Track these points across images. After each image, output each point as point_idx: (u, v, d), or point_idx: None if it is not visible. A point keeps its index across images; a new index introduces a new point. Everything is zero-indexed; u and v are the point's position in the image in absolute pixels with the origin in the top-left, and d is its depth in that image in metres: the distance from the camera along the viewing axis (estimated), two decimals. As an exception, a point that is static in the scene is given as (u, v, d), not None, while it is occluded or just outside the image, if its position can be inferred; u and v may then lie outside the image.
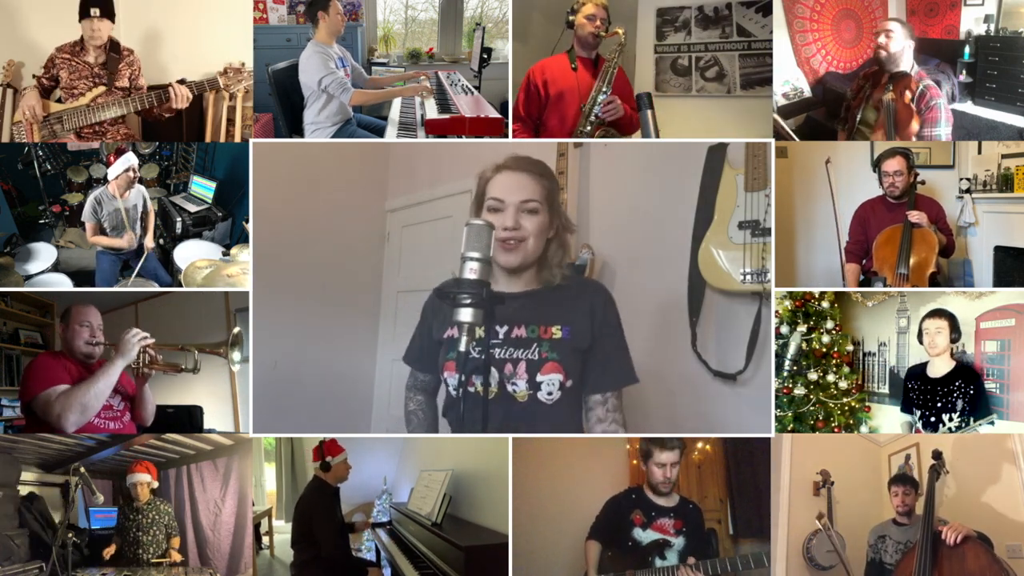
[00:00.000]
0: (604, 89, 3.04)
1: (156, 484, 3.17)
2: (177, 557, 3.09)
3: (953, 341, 2.73)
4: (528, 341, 2.02)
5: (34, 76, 3.19)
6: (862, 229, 3.11)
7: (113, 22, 3.18)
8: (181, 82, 3.15)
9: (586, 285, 2.13)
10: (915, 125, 2.96)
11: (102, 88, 3.16)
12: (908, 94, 2.97)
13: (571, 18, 3.07)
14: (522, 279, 2.06)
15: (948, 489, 2.66)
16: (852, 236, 3.14)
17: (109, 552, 3.04)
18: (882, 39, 3.01)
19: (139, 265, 3.28)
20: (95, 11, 3.10)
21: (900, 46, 2.99)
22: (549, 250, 2.06)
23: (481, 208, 2.05)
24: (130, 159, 3.27)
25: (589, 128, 3.06)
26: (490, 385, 1.97)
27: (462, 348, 1.79)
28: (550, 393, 2.00)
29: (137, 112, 3.21)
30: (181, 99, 3.13)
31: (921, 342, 2.79)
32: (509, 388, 2.01)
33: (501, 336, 2.00)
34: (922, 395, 2.76)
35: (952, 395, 2.71)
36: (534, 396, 2.00)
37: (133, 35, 3.28)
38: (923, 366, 2.82)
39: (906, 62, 3.01)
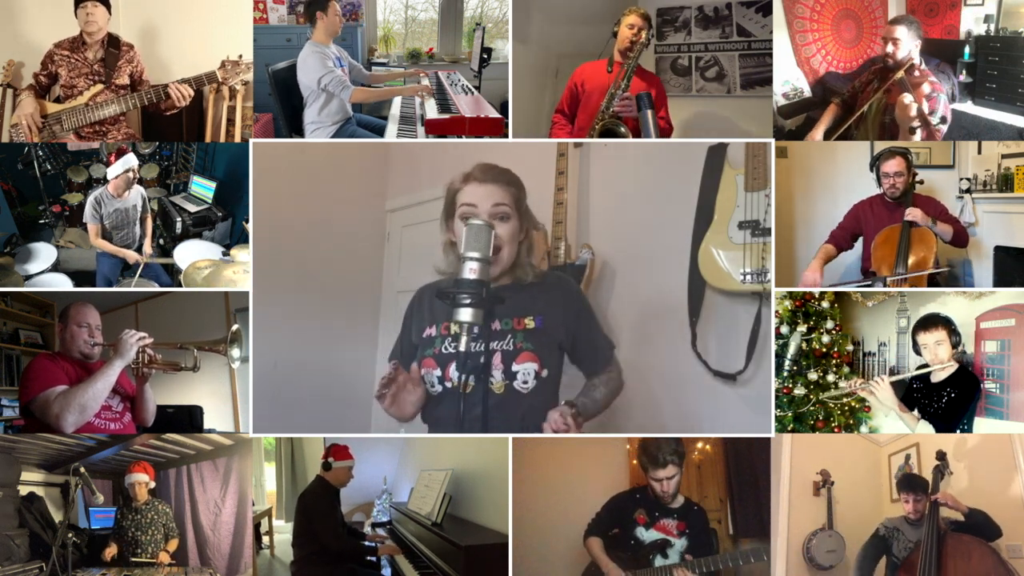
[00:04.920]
0: (623, 86, 3.13)
1: (153, 484, 3.17)
2: (166, 559, 3.08)
3: (955, 346, 2.68)
4: (502, 333, 2.07)
5: (34, 75, 3.19)
6: (855, 222, 3.11)
7: (109, 11, 3.16)
8: (181, 82, 3.14)
9: (555, 279, 2.23)
10: (926, 87, 2.96)
11: (100, 86, 3.16)
12: (917, 72, 3.01)
13: (615, 29, 3.23)
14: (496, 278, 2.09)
15: (952, 489, 2.66)
16: (841, 225, 3.13)
17: (110, 553, 3.04)
18: (889, 48, 3.03)
19: (136, 274, 3.27)
20: None
21: (906, 51, 3.01)
22: (520, 252, 2.12)
23: (452, 216, 2.11)
24: (130, 160, 3.27)
25: (602, 122, 3.16)
26: (467, 379, 2.02)
27: (462, 348, 1.80)
28: (525, 382, 2.06)
29: (144, 106, 3.21)
30: (182, 98, 3.13)
31: (919, 354, 2.75)
32: (492, 378, 2.05)
33: (476, 331, 2.00)
34: (923, 397, 2.75)
35: (943, 400, 2.69)
36: (510, 386, 2.05)
37: (132, 36, 3.28)
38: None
39: (914, 58, 3.04)
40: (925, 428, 2.66)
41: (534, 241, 2.17)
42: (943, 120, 2.97)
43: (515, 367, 2.05)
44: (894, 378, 2.74)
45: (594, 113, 3.19)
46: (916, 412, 2.73)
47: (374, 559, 3.11)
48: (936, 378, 2.73)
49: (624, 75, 3.13)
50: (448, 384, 2.07)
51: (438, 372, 2.08)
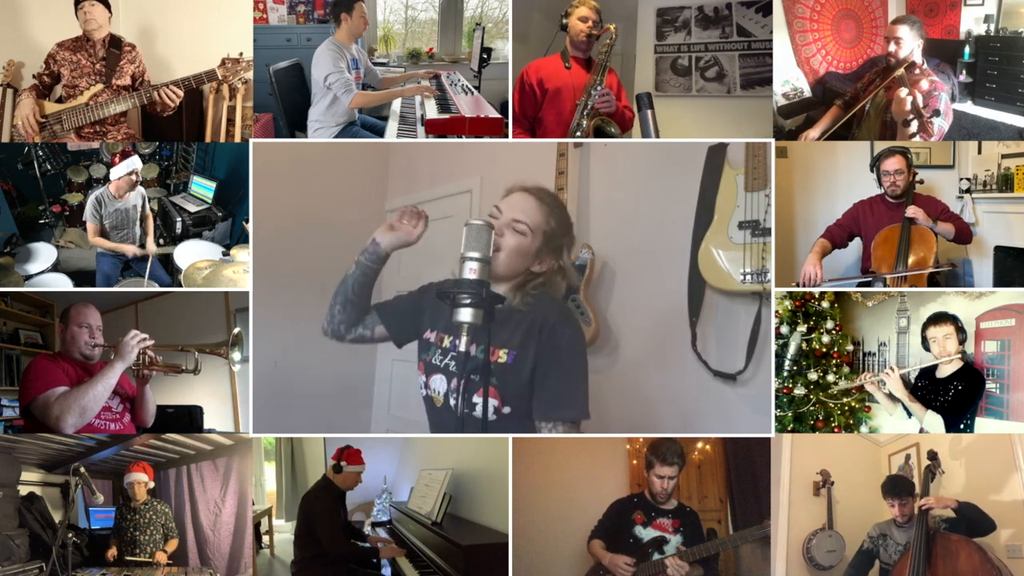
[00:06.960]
0: (599, 81, 3.09)
1: (152, 484, 3.17)
2: (163, 558, 3.08)
3: (961, 343, 2.71)
4: (475, 360, 1.95)
5: (34, 76, 3.19)
6: (853, 222, 3.11)
7: (109, 10, 3.15)
8: (176, 83, 3.14)
9: (542, 305, 2.01)
10: (924, 83, 2.97)
11: (100, 86, 3.16)
12: (918, 70, 3.03)
13: (564, 21, 3.15)
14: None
15: (945, 489, 2.66)
16: (839, 222, 3.13)
17: (112, 554, 3.04)
18: (892, 47, 3.05)
19: (147, 270, 3.28)
20: None
21: (909, 49, 3.02)
22: (528, 281, 2.02)
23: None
24: (134, 163, 3.29)
25: (584, 123, 3.10)
26: (437, 393, 2.04)
27: (462, 348, 1.79)
28: (484, 414, 1.97)
29: (143, 105, 3.21)
30: (171, 101, 3.13)
31: (928, 350, 2.77)
32: (451, 401, 2.01)
33: (462, 347, 1.86)
34: (928, 392, 2.76)
35: (949, 393, 2.71)
36: (469, 414, 1.97)
37: (131, 36, 3.28)
38: (934, 367, 2.80)
39: (916, 57, 3.05)
40: (933, 419, 2.68)
41: (555, 285, 2.04)
42: (936, 113, 2.97)
43: (476, 399, 1.95)
44: (903, 370, 2.77)
45: (568, 112, 3.12)
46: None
47: (375, 561, 3.11)
48: (942, 373, 2.75)
49: (601, 71, 3.09)
50: (425, 393, 2.09)
51: (423, 378, 2.11)
